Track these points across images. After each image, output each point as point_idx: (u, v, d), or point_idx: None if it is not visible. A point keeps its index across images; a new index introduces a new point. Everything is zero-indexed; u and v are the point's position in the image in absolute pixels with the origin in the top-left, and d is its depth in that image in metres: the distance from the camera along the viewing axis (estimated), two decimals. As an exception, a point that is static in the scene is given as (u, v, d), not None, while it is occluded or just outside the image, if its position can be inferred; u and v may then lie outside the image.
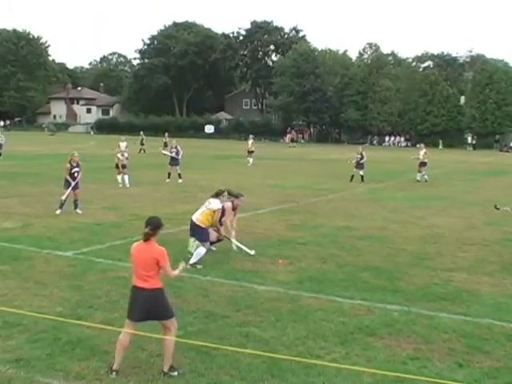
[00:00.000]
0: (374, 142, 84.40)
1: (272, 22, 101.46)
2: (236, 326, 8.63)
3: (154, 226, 6.98)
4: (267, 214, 19.27)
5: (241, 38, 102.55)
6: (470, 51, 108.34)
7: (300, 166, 39.94)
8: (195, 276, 11.13)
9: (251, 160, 38.81)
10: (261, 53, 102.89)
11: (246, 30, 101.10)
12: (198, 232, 12.24)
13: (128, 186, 25.12)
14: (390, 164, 43.79)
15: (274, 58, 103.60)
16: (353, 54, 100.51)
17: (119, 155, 26.12)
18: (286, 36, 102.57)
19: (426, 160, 31.45)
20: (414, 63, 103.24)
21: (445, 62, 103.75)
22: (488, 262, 13.06)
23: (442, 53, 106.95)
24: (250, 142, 40.18)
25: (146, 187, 25.38)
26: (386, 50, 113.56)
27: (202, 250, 11.98)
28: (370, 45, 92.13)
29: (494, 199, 24.57)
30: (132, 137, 52.25)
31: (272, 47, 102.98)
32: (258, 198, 22.78)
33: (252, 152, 39.52)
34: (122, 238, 14.28)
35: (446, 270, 12.15)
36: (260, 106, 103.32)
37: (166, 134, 48.63)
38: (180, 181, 27.45)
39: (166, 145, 47.78)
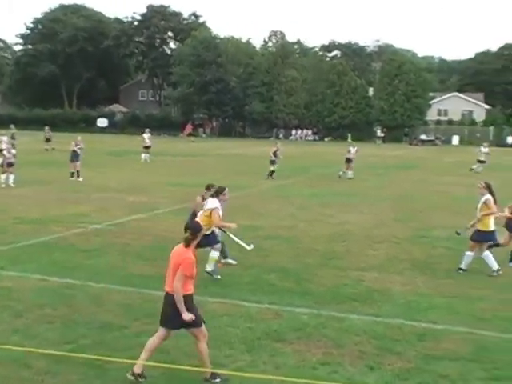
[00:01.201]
0: (280, 135, 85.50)
1: (169, 6, 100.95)
2: (134, 336, 8.51)
3: (194, 231, 7.27)
4: (166, 214, 19.17)
5: (136, 23, 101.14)
6: (378, 41, 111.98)
7: (202, 163, 39.89)
8: (88, 283, 10.89)
9: (147, 156, 38.40)
10: (158, 40, 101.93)
11: (142, 15, 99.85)
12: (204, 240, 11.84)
13: (13, 185, 24.39)
14: (298, 159, 44.46)
15: (172, 45, 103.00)
16: (257, 43, 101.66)
17: (5, 152, 25.42)
18: (184, 22, 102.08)
19: (353, 157, 32.08)
20: (320, 52, 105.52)
21: (352, 52, 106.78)
22: (398, 260, 13.54)
23: (350, 42, 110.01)
24: (147, 136, 39.73)
25: (34, 187, 24.60)
26: (291, 38, 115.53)
27: (214, 254, 11.76)
28: (275, 33, 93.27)
29: (404, 194, 25.56)
30: (17, 131, 50.36)
31: (170, 34, 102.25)
32: (156, 197, 22.60)
33: (148, 147, 39.11)
34: (5, 244, 13.78)
35: (356, 269, 12.49)
36: (158, 98, 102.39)
37: (47, 128, 47.37)
38: (81, 179, 27.35)
39: (47, 140, 46.48)
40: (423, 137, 78.18)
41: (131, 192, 23.85)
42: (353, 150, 32.31)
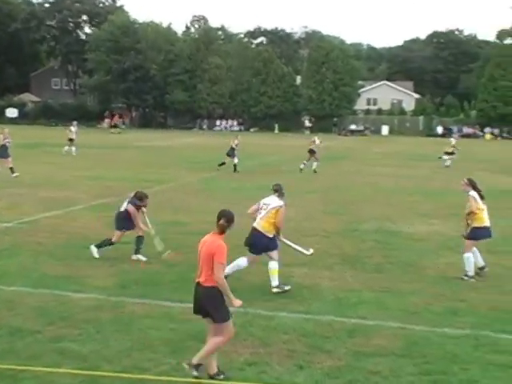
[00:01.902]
0: (204, 126, 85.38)
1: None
2: (48, 341, 8.33)
3: (227, 218, 7.51)
4: (84, 210, 18.86)
5: (47, 5, 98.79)
6: (305, 27, 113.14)
7: (121, 155, 39.39)
8: (-3, 287, 10.60)
9: (70, 149, 37.66)
10: (71, 24, 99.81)
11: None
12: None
13: None
14: (223, 150, 44.45)
15: (87, 30, 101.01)
16: (179, 28, 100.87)
17: None
18: (100, 5, 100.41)
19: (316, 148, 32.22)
20: (245, 39, 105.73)
21: (279, 39, 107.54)
22: (328, 255, 13.74)
23: (276, 28, 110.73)
24: (74, 129, 38.93)
25: None
26: (215, 23, 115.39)
27: (274, 265, 11.04)
28: (197, 18, 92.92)
29: (333, 186, 25.95)
30: None
31: (84, 18, 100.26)
32: (72, 192, 22.19)
33: (72, 140, 38.36)
34: None
35: (285, 264, 12.56)
36: (73, 86, 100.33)
37: None
38: (16, 174, 26.32)
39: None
40: (352, 127, 79.54)
41: (45, 187, 23.32)
42: (318, 141, 32.63)
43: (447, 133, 70.89)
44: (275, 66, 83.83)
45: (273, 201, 11.27)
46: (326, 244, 14.84)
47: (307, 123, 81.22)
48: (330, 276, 12.03)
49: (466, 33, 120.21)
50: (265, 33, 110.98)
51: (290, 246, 11.67)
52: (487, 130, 74.15)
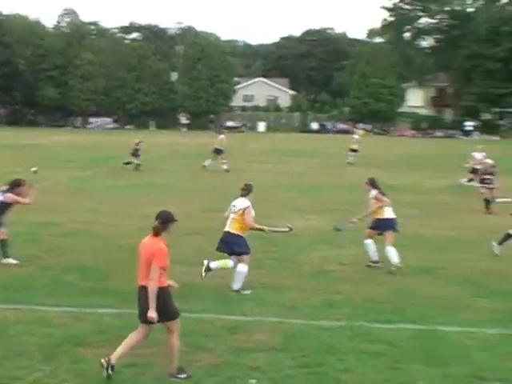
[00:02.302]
0: (77, 123, 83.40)
1: None
2: None
3: (163, 219, 7.44)
4: None
5: None
6: (180, 23, 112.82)
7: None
8: None
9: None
10: None
11: None
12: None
13: None
14: (97, 149, 43.68)
15: None
16: (48, 22, 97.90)
17: None
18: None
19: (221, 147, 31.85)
20: (119, 34, 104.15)
21: (153, 34, 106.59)
22: (206, 253, 13.74)
23: (150, 24, 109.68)
24: None
25: None
26: (86, 18, 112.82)
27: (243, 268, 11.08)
28: (68, 11, 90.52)
29: (211, 183, 26.06)
30: None
31: None
32: None
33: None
34: None
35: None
36: None
37: None
38: None
39: None
40: (229, 123, 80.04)
41: None
42: (221, 138, 32.53)
43: (322, 129, 72.91)
44: (150, 62, 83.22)
45: (239, 202, 11.42)
46: (203, 242, 14.85)
47: (184, 120, 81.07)
48: (209, 274, 12.06)
49: (337, 31, 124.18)
50: (139, 28, 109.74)
51: (273, 231, 11.94)
52: (360, 125, 76.70)
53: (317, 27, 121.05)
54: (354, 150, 36.54)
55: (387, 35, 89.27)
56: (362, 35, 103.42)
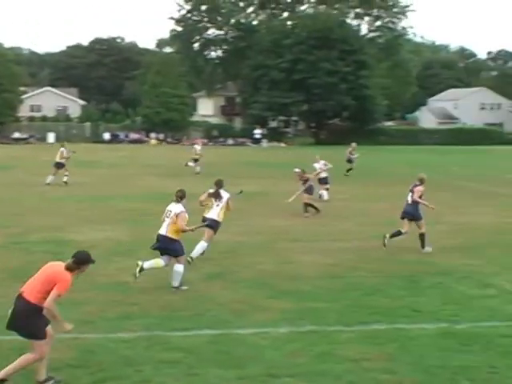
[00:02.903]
0: None
1: None
2: None
3: (78, 260, 7.56)
4: None
5: None
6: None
7: None
8: None
9: None
10: None
11: None
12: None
13: None
14: None
15: None
16: None
17: None
18: None
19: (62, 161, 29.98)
20: None
21: None
22: (-6, 271, 13.10)
23: None
24: None
25: None
26: None
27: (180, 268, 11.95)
28: None
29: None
30: None
31: None
32: None
33: None
34: None
35: None
36: None
37: None
38: None
39: None
40: (16, 135, 76.51)
41: None
42: (66, 152, 30.26)
43: (114, 139, 72.05)
44: None
45: (174, 207, 12.21)
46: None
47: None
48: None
49: (127, 40, 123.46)
50: None
51: (198, 227, 13.13)
52: (152, 135, 76.71)
53: (105, 36, 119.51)
54: (196, 160, 36.96)
55: (176, 45, 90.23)
56: (152, 45, 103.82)
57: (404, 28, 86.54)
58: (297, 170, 21.91)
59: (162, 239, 12.06)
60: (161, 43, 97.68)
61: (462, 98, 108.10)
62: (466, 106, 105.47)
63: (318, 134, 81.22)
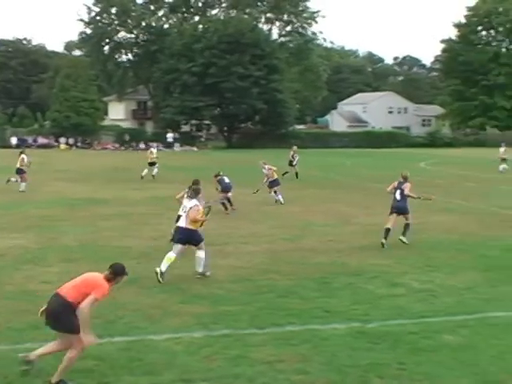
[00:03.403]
0: None
1: None
2: None
3: (114, 271, 8.08)
4: None
5: None
6: None
7: None
8: None
9: None
10: None
11: None
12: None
13: None
14: None
15: None
16: None
17: None
18: None
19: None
20: None
21: None
22: None
23: None
24: None
25: None
26: None
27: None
28: None
29: None
30: None
31: None
32: None
33: None
34: None
35: None
36: None
37: None
38: None
39: None
40: None
41: None
42: (26, 158, 29.60)
43: (21, 143, 70.12)
44: None
45: (188, 203, 13.89)
46: None
47: None
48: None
49: (34, 42, 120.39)
50: None
51: (208, 212, 14.22)
52: (62, 139, 75.13)
53: (10, 38, 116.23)
54: (152, 164, 35.95)
55: (86, 48, 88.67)
56: (61, 48, 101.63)
57: (314, 33, 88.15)
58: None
59: (182, 231, 13.53)
60: (69, 46, 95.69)
61: (371, 102, 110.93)
62: (375, 109, 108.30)
63: (230, 138, 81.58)
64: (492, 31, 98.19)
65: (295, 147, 37.54)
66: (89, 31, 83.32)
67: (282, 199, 25.14)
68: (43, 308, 7.95)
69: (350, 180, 33.75)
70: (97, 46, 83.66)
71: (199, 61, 74.15)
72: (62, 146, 74.21)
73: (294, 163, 36.27)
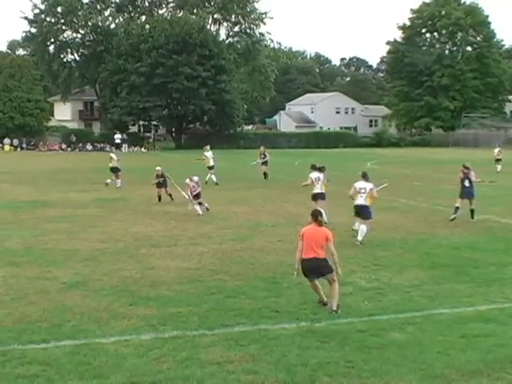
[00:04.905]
0: None
1: None
2: None
3: (315, 215, 11.31)
4: None
5: None
6: None
7: None
8: None
9: None
10: None
11: None
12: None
13: None
14: None
15: None
16: None
17: None
18: None
19: None
20: None
21: None
22: None
23: None
24: None
25: None
26: None
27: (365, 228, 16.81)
28: None
29: None
30: None
31: None
32: None
33: None
34: None
35: None
36: None
37: None
38: None
39: None
40: None
41: None
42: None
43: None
44: None
45: (365, 185, 17.26)
46: None
47: None
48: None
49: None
50: None
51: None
52: (6, 140, 73.73)
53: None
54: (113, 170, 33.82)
55: (31, 47, 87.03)
56: (3, 46, 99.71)
57: (262, 34, 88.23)
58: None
59: (361, 208, 17.00)
60: (13, 45, 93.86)
61: (319, 103, 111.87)
62: (322, 110, 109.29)
63: (178, 139, 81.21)
64: (436, 33, 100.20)
65: (262, 147, 37.37)
66: (33, 30, 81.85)
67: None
68: None
69: (299, 180, 33.95)
70: (42, 45, 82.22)
71: (147, 61, 73.56)
72: (7, 148, 72.84)
73: (263, 162, 36.02)
